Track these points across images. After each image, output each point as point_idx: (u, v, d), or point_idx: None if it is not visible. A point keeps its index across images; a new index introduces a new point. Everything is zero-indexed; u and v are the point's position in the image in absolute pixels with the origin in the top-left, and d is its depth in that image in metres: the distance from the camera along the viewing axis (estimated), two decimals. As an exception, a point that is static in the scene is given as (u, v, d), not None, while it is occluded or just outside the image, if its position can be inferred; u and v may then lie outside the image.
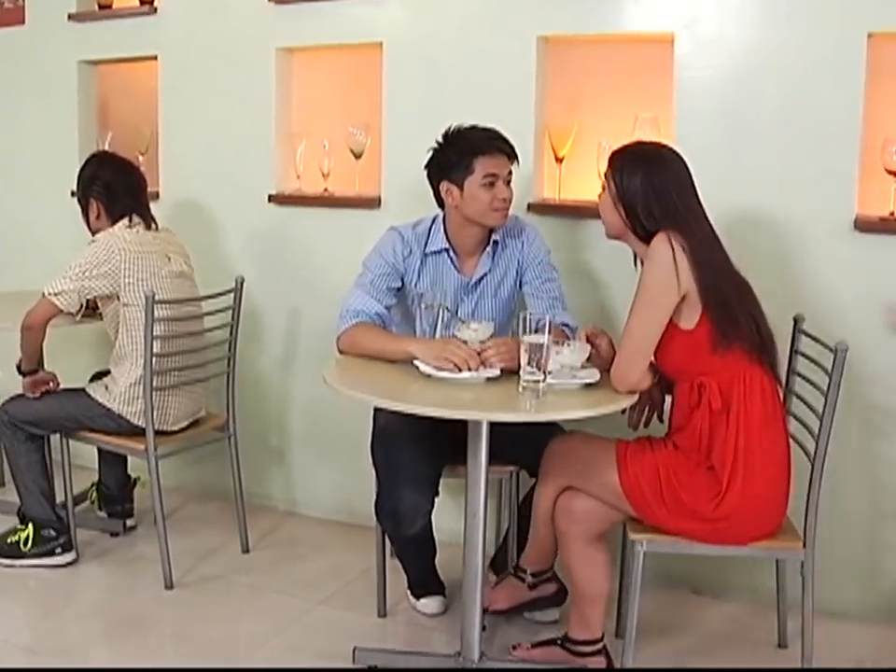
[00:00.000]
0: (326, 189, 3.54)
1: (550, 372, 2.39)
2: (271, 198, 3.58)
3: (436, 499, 2.74)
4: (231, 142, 3.63)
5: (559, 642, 2.64)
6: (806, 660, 2.49)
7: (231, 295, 3.26)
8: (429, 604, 3.00)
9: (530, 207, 3.19)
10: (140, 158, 3.74)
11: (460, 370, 2.44)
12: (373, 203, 3.45)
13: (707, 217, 2.45)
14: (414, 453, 2.73)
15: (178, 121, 3.76)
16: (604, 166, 3.06)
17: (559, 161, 3.20)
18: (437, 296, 2.63)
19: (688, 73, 2.99)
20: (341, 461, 3.66)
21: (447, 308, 2.68)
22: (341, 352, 2.80)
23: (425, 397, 2.40)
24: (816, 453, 2.43)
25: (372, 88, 3.44)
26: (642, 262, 2.50)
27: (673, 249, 2.34)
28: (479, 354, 2.48)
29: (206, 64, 3.66)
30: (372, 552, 3.31)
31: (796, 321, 2.73)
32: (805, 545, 2.44)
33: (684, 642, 2.86)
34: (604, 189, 2.50)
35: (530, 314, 2.35)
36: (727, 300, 2.38)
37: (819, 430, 2.41)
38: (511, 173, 2.74)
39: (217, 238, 3.68)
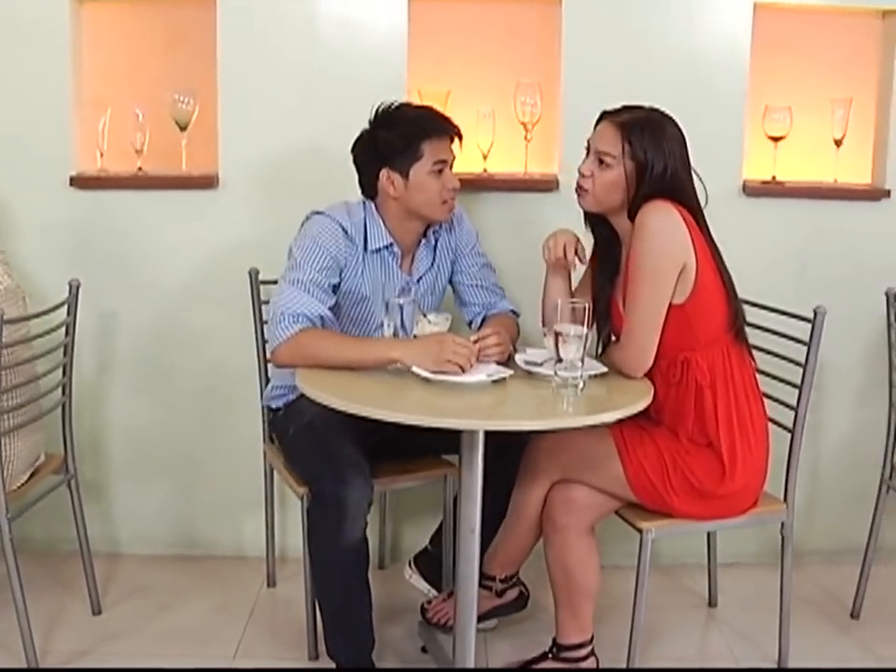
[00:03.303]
0: (140, 169, 2.96)
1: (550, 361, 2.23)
2: (73, 181, 2.91)
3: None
4: (16, 113, 2.88)
5: (551, 654, 2.48)
6: (785, 613, 2.58)
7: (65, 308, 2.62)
8: None
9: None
10: None
11: (463, 370, 2.17)
12: (209, 182, 2.94)
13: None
14: (350, 442, 2.41)
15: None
16: (483, 135, 2.94)
17: (433, 130, 2.94)
18: (412, 289, 2.30)
19: (576, 36, 2.88)
20: (172, 487, 3.15)
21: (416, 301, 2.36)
22: (280, 365, 2.37)
23: (433, 405, 2.11)
24: (796, 417, 2.49)
25: (201, 47, 2.91)
26: (615, 236, 2.39)
27: (668, 219, 2.25)
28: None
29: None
30: (250, 583, 2.99)
31: (724, 286, 2.77)
32: (787, 507, 2.51)
33: (624, 617, 2.80)
34: (604, 164, 2.31)
35: (567, 301, 2.12)
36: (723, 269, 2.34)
37: (800, 395, 2.48)
38: (454, 157, 2.47)
39: (6, 233, 2.92)
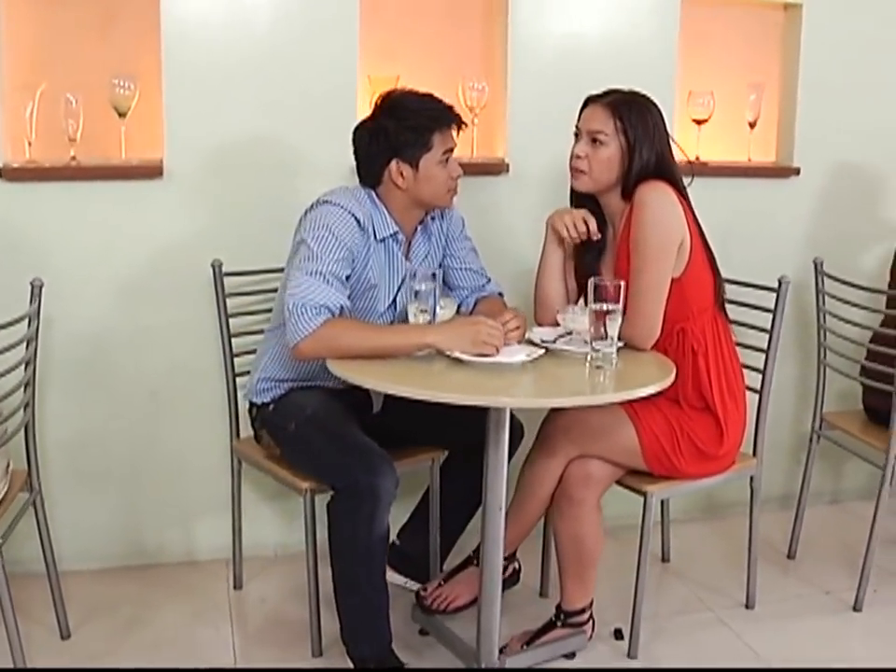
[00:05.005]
0: (73, 158, 2.75)
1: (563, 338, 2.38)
2: (2, 173, 2.67)
3: None
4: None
5: (559, 622, 2.57)
6: (753, 559, 2.82)
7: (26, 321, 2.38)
8: None
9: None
10: None
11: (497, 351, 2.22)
12: (152, 172, 2.78)
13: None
14: (361, 431, 2.42)
15: None
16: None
17: (384, 115, 2.93)
18: (428, 271, 2.30)
19: (521, 23, 2.96)
20: (117, 496, 2.97)
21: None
22: (303, 358, 2.31)
23: (476, 385, 2.14)
24: (764, 379, 2.71)
25: (141, 27, 2.75)
26: (603, 215, 2.50)
27: (667, 198, 2.40)
28: None
29: None
30: (214, 587, 2.91)
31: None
32: (757, 461, 2.74)
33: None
34: (597, 142, 2.41)
35: (601, 279, 2.21)
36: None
37: (766, 358, 2.70)
38: (455, 144, 2.49)
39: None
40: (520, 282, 2.90)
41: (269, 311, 2.82)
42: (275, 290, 2.82)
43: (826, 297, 2.96)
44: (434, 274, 2.31)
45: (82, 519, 2.93)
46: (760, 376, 2.71)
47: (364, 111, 2.88)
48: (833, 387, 3.10)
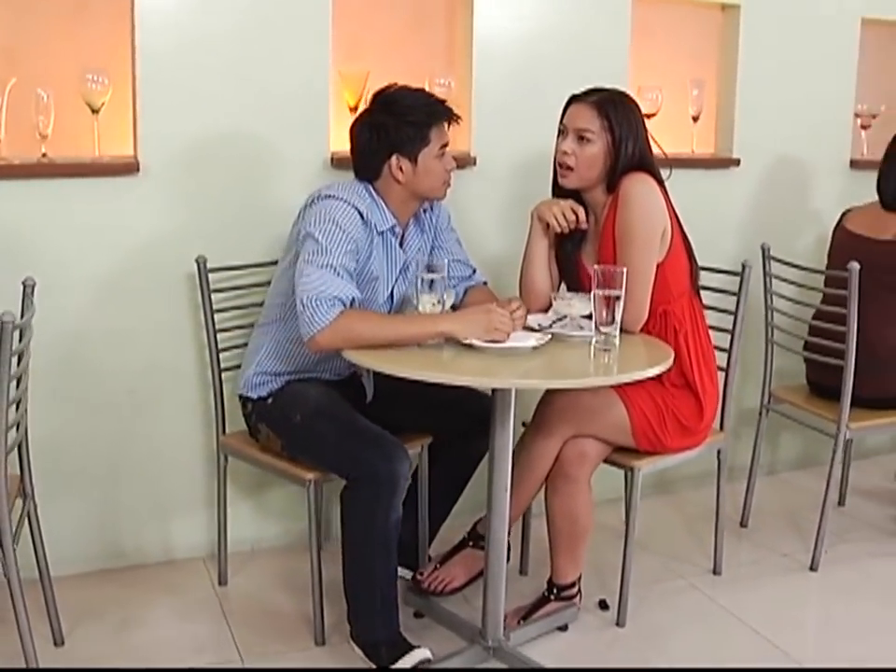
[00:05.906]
0: (44, 155, 2.69)
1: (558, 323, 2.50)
2: (-28, 171, 2.59)
3: None
4: None
5: (553, 596, 2.68)
6: (720, 528, 3.00)
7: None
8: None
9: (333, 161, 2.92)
10: None
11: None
12: (128, 169, 2.74)
13: None
14: (366, 420, 2.48)
15: None
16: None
17: (353, 110, 2.96)
18: (438, 262, 2.37)
19: (485, 22, 3.05)
20: (96, 498, 2.92)
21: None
22: (318, 350, 2.34)
23: (489, 369, 2.23)
24: (730, 357, 2.89)
25: (114, 19, 2.72)
26: (584, 205, 2.62)
27: (651, 189, 2.54)
28: None
29: None
30: (198, 585, 2.91)
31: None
32: (724, 435, 2.92)
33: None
34: (584, 140, 2.52)
35: (604, 267, 2.31)
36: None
37: (732, 338, 2.88)
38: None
39: None
40: (488, 271, 2.98)
41: (248, 306, 2.84)
42: (256, 285, 2.85)
43: (773, 279, 3.18)
44: (430, 266, 2.39)
45: (60, 522, 2.85)
46: (724, 355, 2.88)
47: (337, 106, 2.95)
48: (774, 365, 3.31)
